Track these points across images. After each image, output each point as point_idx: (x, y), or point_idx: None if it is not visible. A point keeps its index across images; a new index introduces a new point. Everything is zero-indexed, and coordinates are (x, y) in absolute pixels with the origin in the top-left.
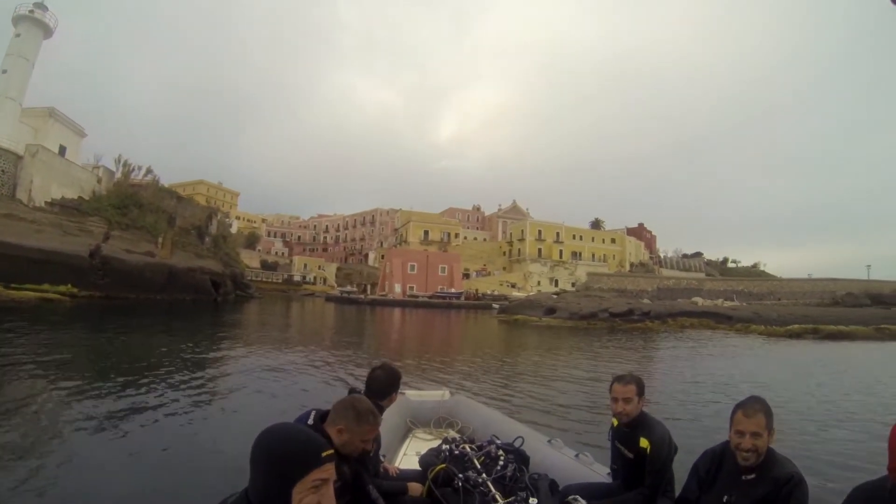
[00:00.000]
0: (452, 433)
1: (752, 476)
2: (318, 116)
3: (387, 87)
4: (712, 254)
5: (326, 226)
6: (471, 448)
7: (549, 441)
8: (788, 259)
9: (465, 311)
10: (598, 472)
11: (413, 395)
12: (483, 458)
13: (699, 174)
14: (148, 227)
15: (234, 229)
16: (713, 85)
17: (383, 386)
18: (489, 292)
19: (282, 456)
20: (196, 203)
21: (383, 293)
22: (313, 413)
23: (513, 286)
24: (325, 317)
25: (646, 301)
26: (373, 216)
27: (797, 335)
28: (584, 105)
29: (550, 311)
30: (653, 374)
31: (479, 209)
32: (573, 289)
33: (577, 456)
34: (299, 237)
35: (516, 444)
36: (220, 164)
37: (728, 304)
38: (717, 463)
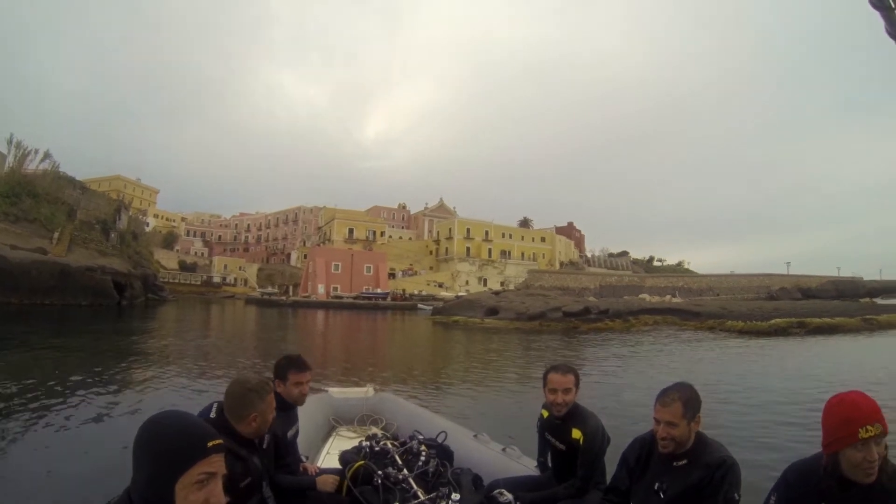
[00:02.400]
0: (375, 430)
1: (684, 462)
2: (244, 111)
3: (315, 84)
4: (638, 252)
5: (248, 225)
6: (392, 444)
7: (474, 436)
8: (711, 257)
9: (391, 313)
10: (527, 465)
11: (336, 393)
12: (404, 454)
13: (625, 175)
14: (42, 220)
15: (150, 227)
16: (640, 90)
17: (282, 366)
18: (416, 292)
19: (162, 448)
20: (102, 195)
21: (306, 294)
22: (215, 405)
23: (440, 286)
24: (246, 321)
25: (591, 299)
26: (296, 214)
27: (783, 330)
28: (512, 106)
29: (492, 311)
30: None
31: (404, 207)
32: (502, 287)
33: (503, 450)
34: (220, 237)
35: (439, 440)
36: (140, 159)
37: (675, 300)
38: (647, 450)
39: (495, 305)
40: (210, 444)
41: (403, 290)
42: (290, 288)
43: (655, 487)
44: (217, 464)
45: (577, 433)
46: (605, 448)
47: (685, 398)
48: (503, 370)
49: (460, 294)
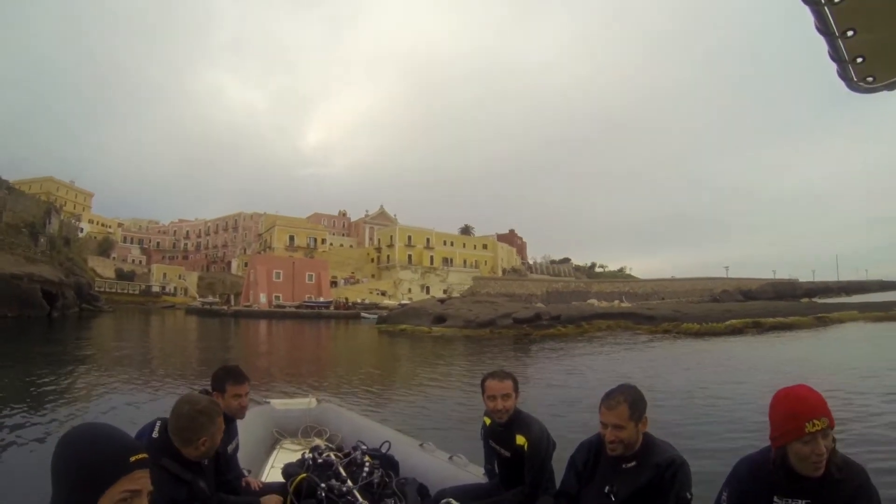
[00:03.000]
0: (319, 442)
1: (633, 464)
2: (184, 114)
3: (255, 89)
4: (579, 259)
5: (187, 231)
6: (336, 456)
7: (420, 445)
8: (651, 263)
9: (335, 322)
10: (474, 473)
11: (278, 404)
12: (348, 465)
13: (566, 184)
14: None
15: (84, 233)
16: (581, 98)
17: (219, 377)
18: (359, 301)
19: (81, 464)
20: (31, 197)
21: (247, 304)
22: (159, 424)
23: (383, 294)
24: (187, 332)
25: (540, 305)
26: (236, 221)
27: (739, 331)
28: (452, 116)
29: (440, 319)
30: None
31: (345, 215)
32: (445, 295)
33: (450, 458)
34: (158, 244)
35: (383, 449)
36: (75, 160)
37: (624, 304)
38: (595, 453)
39: (442, 313)
40: (133, 458)
41: (346, 299)
42: (232, 297)
43: (605, 490)
44: (142, 480)
45: (521, 439)
46: (552, 453)
47: (630, 400)
48: (451, 378)
49: (404, 302)
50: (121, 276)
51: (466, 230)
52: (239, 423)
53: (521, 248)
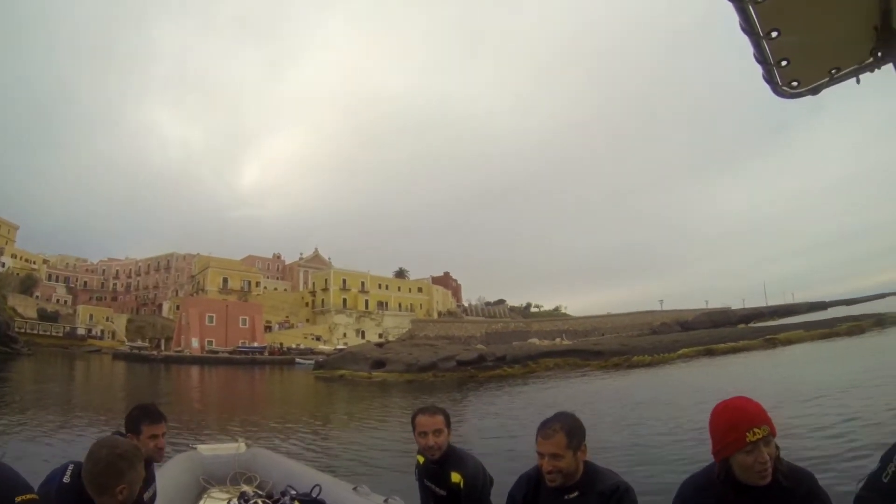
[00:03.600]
0: (247, 489)
1: (576, 494)
2: (117, 146)
3: (192, 125)
4: (514, 300)
5: (117, 271)
6: (264, 502)
7: (354, 488)
8: (585, 300)
9: (270, 368)
10: None
11: (205, 450)
12: None
13: (500, 227)
14: None
15: (5, 268)
16: (514, 141)
17: (134, 418)
18: (294, 346)
19: None
20: None
21: (179, 349)
22: (71, 467)
23: (318, 339)
24: (114, 377)
25: (480, 346)
26: (168, 261)
27: (689, 358)
28: (386, 159)
29: (379, 363)
30: None
31: (279, 258)
32: (381, 339)
33: (385, 501)
34: (86, 283)
35: (314, 494)
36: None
37: (565, 342)
38: (535, 486)
39: (381, 357)
40: (19, 499)
41: (281, 344)
42: (162, 341)
43: None
44: None
45: (456, 476)
46: (489, 489)
47: (567, 428)
48: (388, 419)
49: (339, 347)
50: (43, 316)
51: (401, 273)
52: (162, 470)
53: (455, 291)
